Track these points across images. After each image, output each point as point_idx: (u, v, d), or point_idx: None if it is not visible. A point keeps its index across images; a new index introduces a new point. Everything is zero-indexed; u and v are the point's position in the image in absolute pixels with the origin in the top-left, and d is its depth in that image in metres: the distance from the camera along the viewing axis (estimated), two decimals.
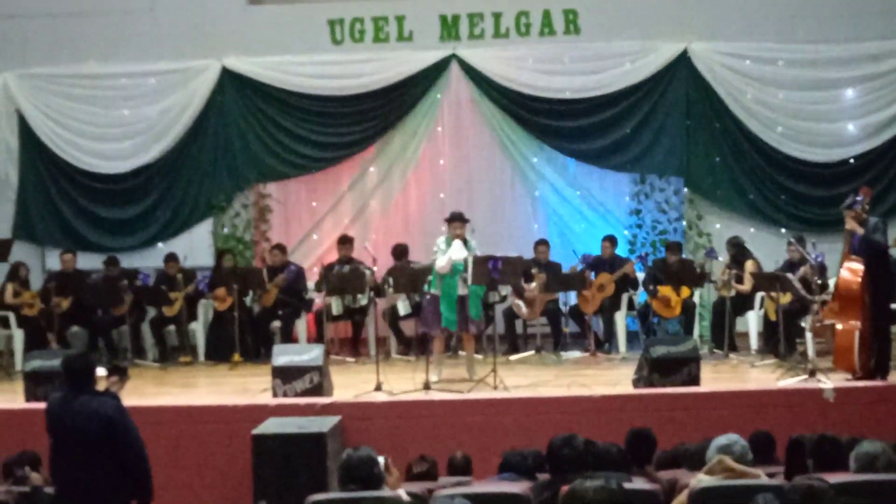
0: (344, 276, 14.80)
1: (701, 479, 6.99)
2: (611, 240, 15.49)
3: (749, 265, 14.73)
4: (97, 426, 7.59)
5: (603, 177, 16.50)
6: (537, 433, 9.52)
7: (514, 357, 14.76)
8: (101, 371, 8.19)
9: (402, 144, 16.44)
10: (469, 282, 12.39)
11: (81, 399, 7.69)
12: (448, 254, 12.54)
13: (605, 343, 15.13)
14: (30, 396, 11.79)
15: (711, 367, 13.33)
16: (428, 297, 12.90)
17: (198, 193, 16.61)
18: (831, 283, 12.81)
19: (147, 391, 12.73)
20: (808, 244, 14.22)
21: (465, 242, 12.69)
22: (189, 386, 13.86)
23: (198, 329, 15.55)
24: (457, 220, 12.80)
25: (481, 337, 14.44)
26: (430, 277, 12.82)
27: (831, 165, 15.99)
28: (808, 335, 13.07)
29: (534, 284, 14.88)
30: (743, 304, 14.72)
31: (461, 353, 14.05)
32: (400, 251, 15.50)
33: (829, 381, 11.39)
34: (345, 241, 15.66)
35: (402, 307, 15.19)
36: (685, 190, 16.20)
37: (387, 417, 11.15)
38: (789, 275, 13.59)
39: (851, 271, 11.53)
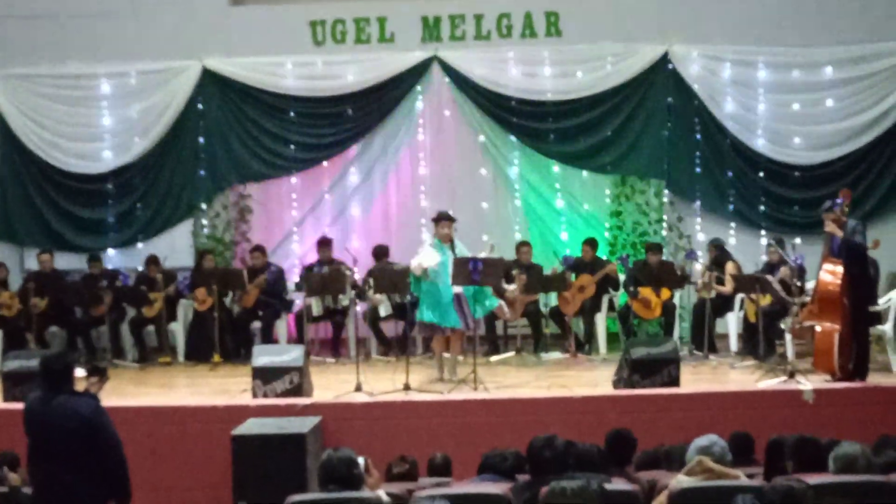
0: (324, 276, 14.77)
1: (680, 480, 6.99)
2: (591, 243, 15.53)
3: (729, 267, 14.78)
4: (75, 426, 7.56)
5: (584, 178, 16.52)
6: (517, 434, 9.51)
7: (494, 358, 14.77)
8: (80, 371, 8.16)
9: (382, 146, 16.44)
10: (449, 283, 12.40)
11: (59, 399, 7.66)
12: (419, 259, 12.61)
13: (586, 344, 15.14)
14: (8, 397, 11.77)
15: (691, 368, 13.37)
16: (411, 299, 12.96)
17: (178, 194, 16.57)
18: (810, 285, 12.84)
19: (126, 392, 12.70)
20: (788, 246, 14.28)
21: (452, 243, 12.74)
22: (168, 386, 13.83)
23: (177, 330, 15.53)
24: (443, 219, 12.92)
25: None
26: (411, 282, 12.87)
27: (811, 168, 16.04)
28: (788, 337, 13.11)
29: (514, 286, 14.88)
30: (723, 305, 14.77)
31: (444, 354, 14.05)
32: (380, 252, 15.50)
33: (808, 383, 11.43)
34: (323, 244, 15.65)
35: (383, 308, 15.19)
36: (666, 192, 16.23)
37: (367, 418, 11.14)
38: (769, 276, 13.64)
39: (831, 273, 11.56)
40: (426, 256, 12.66)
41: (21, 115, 16.53)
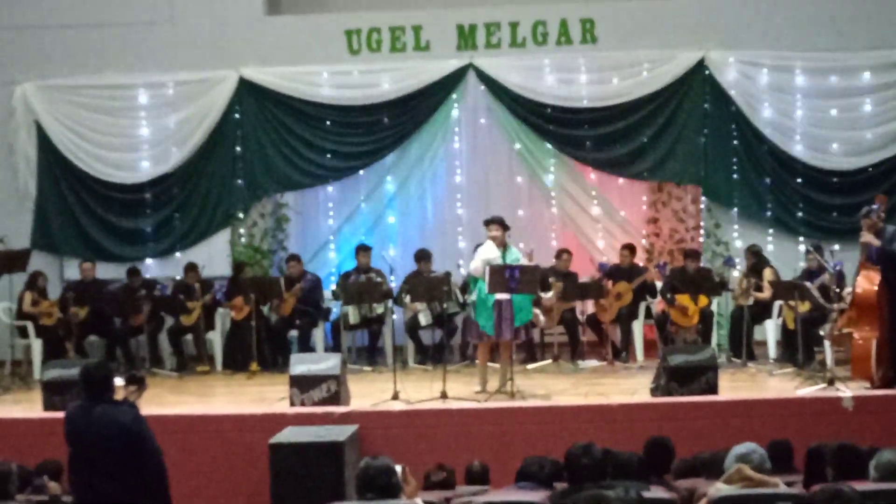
0: (361, 285, 14.81)
1: (719, 488, 6.97)
2: (630, 248, 15.47)
3: (767, 273, 14.71)
4: (115, 436, 7.60)
5: (620, 185, 16.49)
6: (555, 442, 9.50)
7: (531, 366, 14.75)
8: (118, 380, 8.21)
9: (418, 154, 16.44)
10: (486, 291, 12.34)
11: (100, 408, 7.69)
12: (481, 255, 12.52)
13: (623, 352, 15.09)
14: (48, 406, 11.81)
15: (730, 375, 13.32)
16: (470, 304, 12.87)
17: (215, 203, 16.64)
18: (848, 291, 12.75)
19: (165, 400, 12.75)
20: (827, 252, 14.20)
21: (505, 248, 12.59)
22: (206, 395, 13.90)
23: (215, 338, 15.59)
24: (493, 223, 12.73)
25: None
26: (469, 282, 12.87)
27: (849, 174, 15.95)
28: (827, 344, 13.03)
29: (551, 293, 14.86)
30: (761, 312, 14.70)
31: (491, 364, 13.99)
32: (422, 256, 15.45)
33: (847, 390, 11.35)
34: (363, 250, 15.67)
35: (424, 317, 15.15)
36: (703, 198, 16.16)
37: (404, 426, 11.12)
38: (807, 283, 13.57)
39: (868, 280, 11.51)
40: (487, 251, 12.55)
41: (59, 125, 16.64)
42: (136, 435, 7.67)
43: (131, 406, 7.90)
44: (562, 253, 15.54)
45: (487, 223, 12.85)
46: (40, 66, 16.58)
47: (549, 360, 15.03)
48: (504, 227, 12.73)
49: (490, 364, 13.03)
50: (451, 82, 16.32)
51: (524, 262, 12.70)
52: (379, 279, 14.89)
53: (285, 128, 16.57)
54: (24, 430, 11.27)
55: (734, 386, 12.67)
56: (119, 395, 8.02)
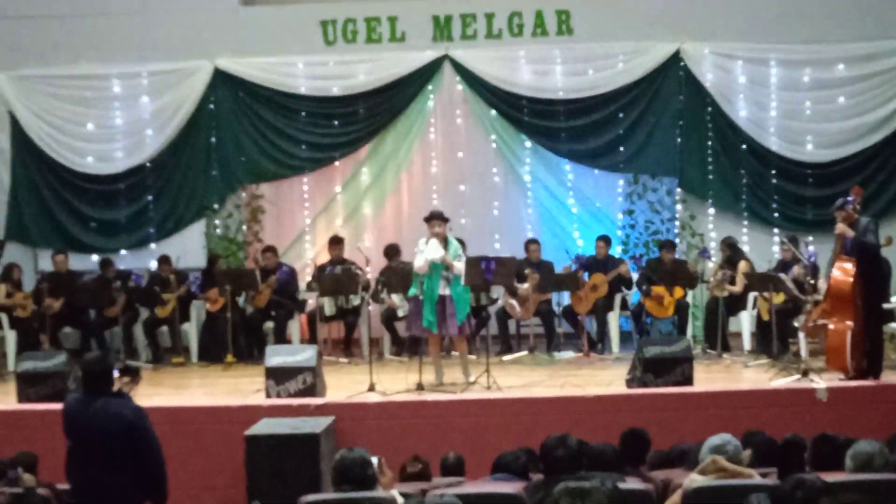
0: (336, 276, 14.79)
1: (694, 479, 6.99)
2: (605, 240, 15.50)
3: (742, 265, 14.75)
4: (118, 428, 7.55)
5: (596, 177, 16.50)
6: (531, 433, 9.52)
7: (507, 357, 14.76)
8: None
9: (394, 145, 16.43)
10: (462, 282, 12.32)
11: (100, 401, 7.65)
12: (424, 254, 12.42)
13: (599, 343, 15.11)
14: (22, 397, 11.77)
15: (705, 367, 13.34)
16: (413, 298, 12.83)
17: (190, 194, 16.59)
18: (822, 282, 12.80)
19: (140, 392, 12.48)
20: (801, 244, 14.25)
21: (447, 241, 12.46)
22: (182, 387, 13.85)
23: (190, 330, 15.54)
24: (434, 218, 12.53)
25: (474, 337, 14.44)
26: (413, 279, 12.78)
27: (824, 165, 16.01)
28: (801, 335, 13.08)
29: (527, 284, 14.87)
30: (736, 304, 14.74)
31: (454, 353, 14.00)
32: (392, 251, 15.47)
33: (821, 381, 11.40)
34: (336, 242, 15.65)
35: (402, 309, 15.12)
36: (678, 190, 16.20)
37: (380, 418, 11.14)
38: (782, 275, 13.61)
39: (843, 271, 11.52)
40: (430, 250, 12.37)
41: (33, 115, 16.56)
42: (139, 428, 7.63)
43: (128, 398, 7.89)
44: (530, 244, 15.53)
45: (429, 219, 12.56)
46: (13, 57, 16.48)
47: (525, 352, 15.04)
48: (444, 220, 12.54)
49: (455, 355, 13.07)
50: (426, 73, 16.30)
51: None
52: (357, 271, 14.86)
53: (260, 118, 16.52)
54: None
55: (709, 377, 12.69)
56: (114, 386, 7.99)
